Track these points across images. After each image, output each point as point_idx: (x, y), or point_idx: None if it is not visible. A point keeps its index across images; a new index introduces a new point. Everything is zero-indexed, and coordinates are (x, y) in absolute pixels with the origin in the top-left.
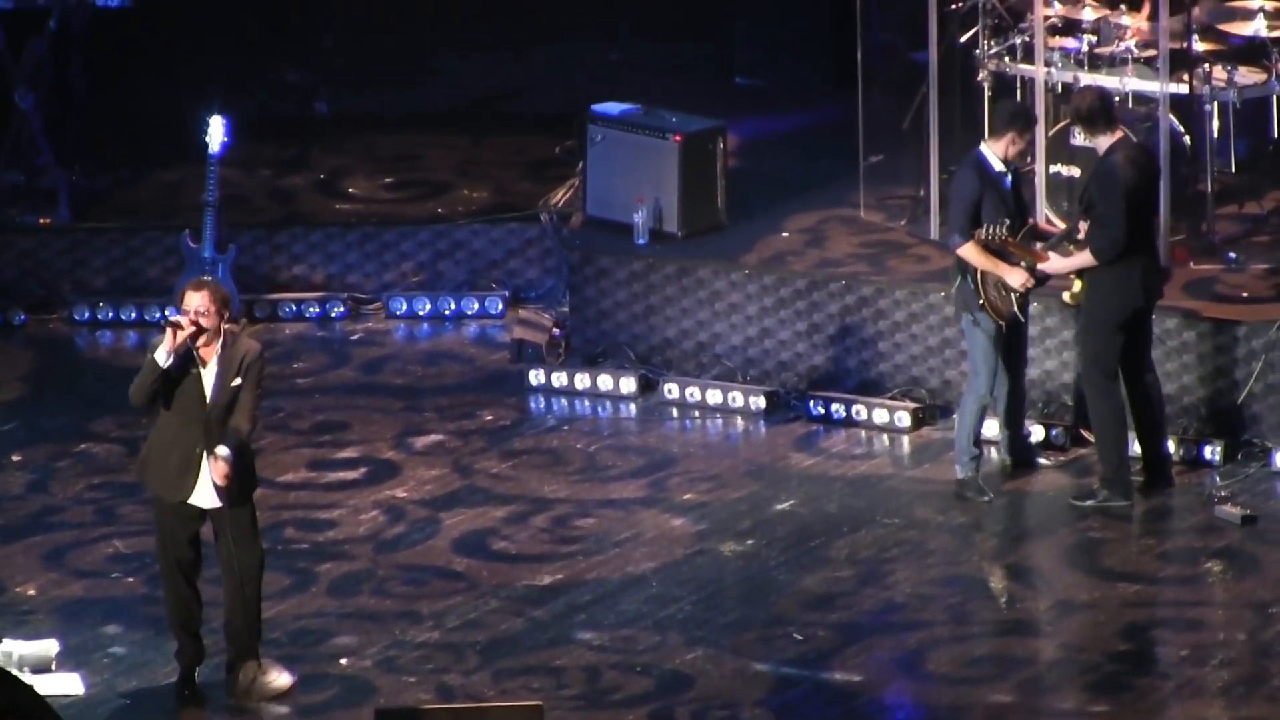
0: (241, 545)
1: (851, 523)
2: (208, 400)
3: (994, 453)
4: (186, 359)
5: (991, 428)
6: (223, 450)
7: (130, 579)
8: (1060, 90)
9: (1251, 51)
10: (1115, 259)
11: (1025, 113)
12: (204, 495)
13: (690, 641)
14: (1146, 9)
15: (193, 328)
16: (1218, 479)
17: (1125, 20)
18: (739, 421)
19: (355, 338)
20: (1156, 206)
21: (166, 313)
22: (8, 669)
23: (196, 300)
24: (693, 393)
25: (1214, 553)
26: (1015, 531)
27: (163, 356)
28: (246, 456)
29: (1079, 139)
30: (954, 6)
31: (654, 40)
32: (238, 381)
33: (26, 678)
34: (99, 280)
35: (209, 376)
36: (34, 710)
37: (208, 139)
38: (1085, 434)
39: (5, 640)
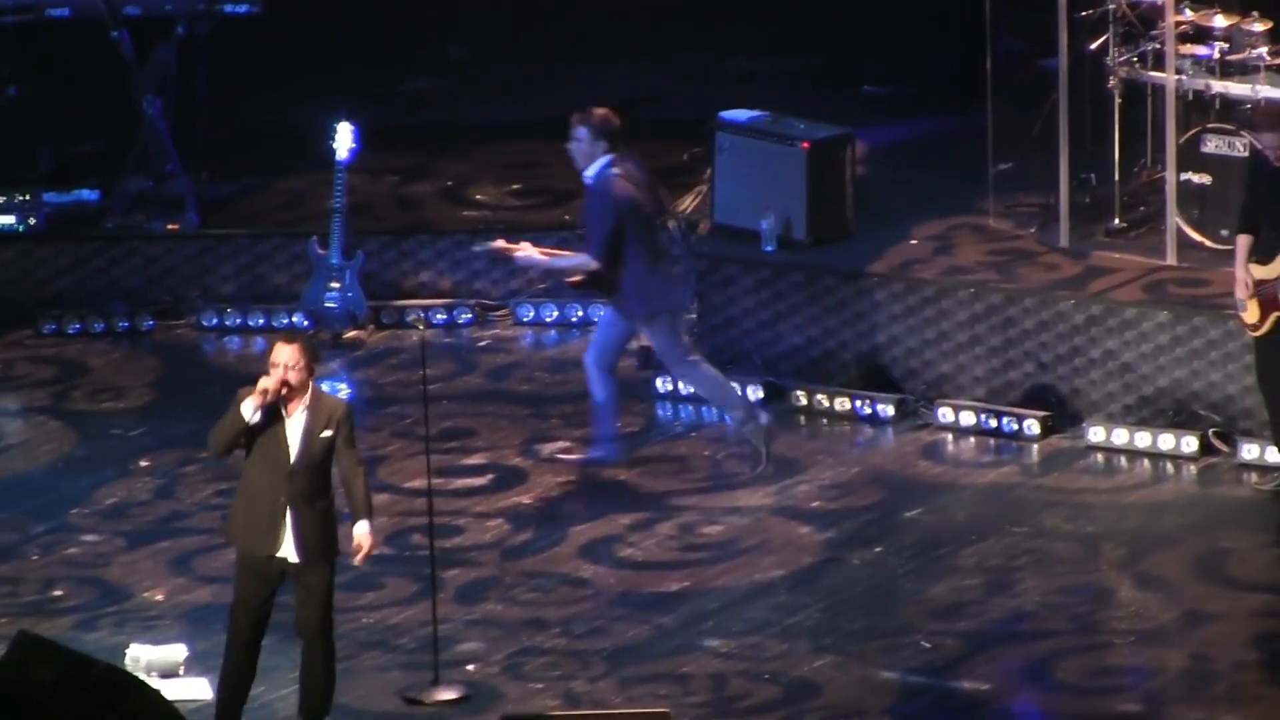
0: (318, 610)
1: (979, 531)
2: (293, 454)
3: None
4: (272, 411)
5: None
6: (362, 528)
7: None
8: (1191, 97)
9: None
10: None
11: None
12: (288, 548)
13: (817, 649)
14: None
15: (283, 388)
16: None
17: (1256, 27)
18: (867, 429)
19: (482, 344)
20: None
21: (293, 319)
22: (135, 674)
23: (287, 353)
24: (821, 400)
25: None
26: (1143, 540)
27: (249, 411)
28: (330, 519)
29: (1210, 146)
30: (1084, 14)
31: (782, 48)
32: (326, 434)
33: (154, 683)
34: (226, 286)
35: (294, 428)
36: (161, 715)
37: (335, 146)
38: (1218, 443)
39: (133, 645)
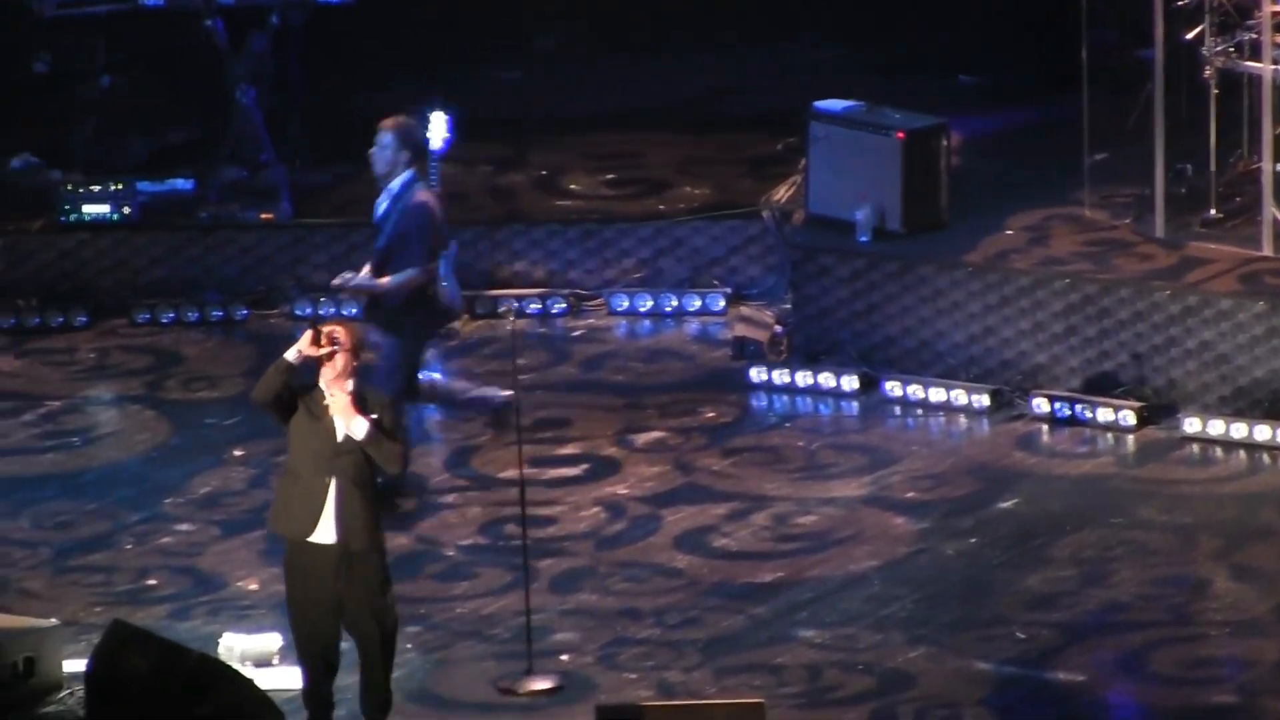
0: (369, 602)
1: (1075, 522)
2: (337, 436)
3: None
4: (316, 401)
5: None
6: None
7: None
8: None
9: None
10: None
11: None
12: (327, 533)
13: (912, 640)
14: None
15: (331, 347)
16: None
17: None
18: (961, 419)
19: (576, 334)
20: None
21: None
22: (229, 663)
23: (341, 331)
24: (915, 390)
25: None
26: (1239, 531)
27: (293, 354)
28: (374, 509)
29: None
30: (1180, 3)
31: (876, 37)
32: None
33: (248, 672)
34: (320, 275)
35: (337, 415)
36: (255, 705)
37: (429, 135)
38: None
39: (227, 634)
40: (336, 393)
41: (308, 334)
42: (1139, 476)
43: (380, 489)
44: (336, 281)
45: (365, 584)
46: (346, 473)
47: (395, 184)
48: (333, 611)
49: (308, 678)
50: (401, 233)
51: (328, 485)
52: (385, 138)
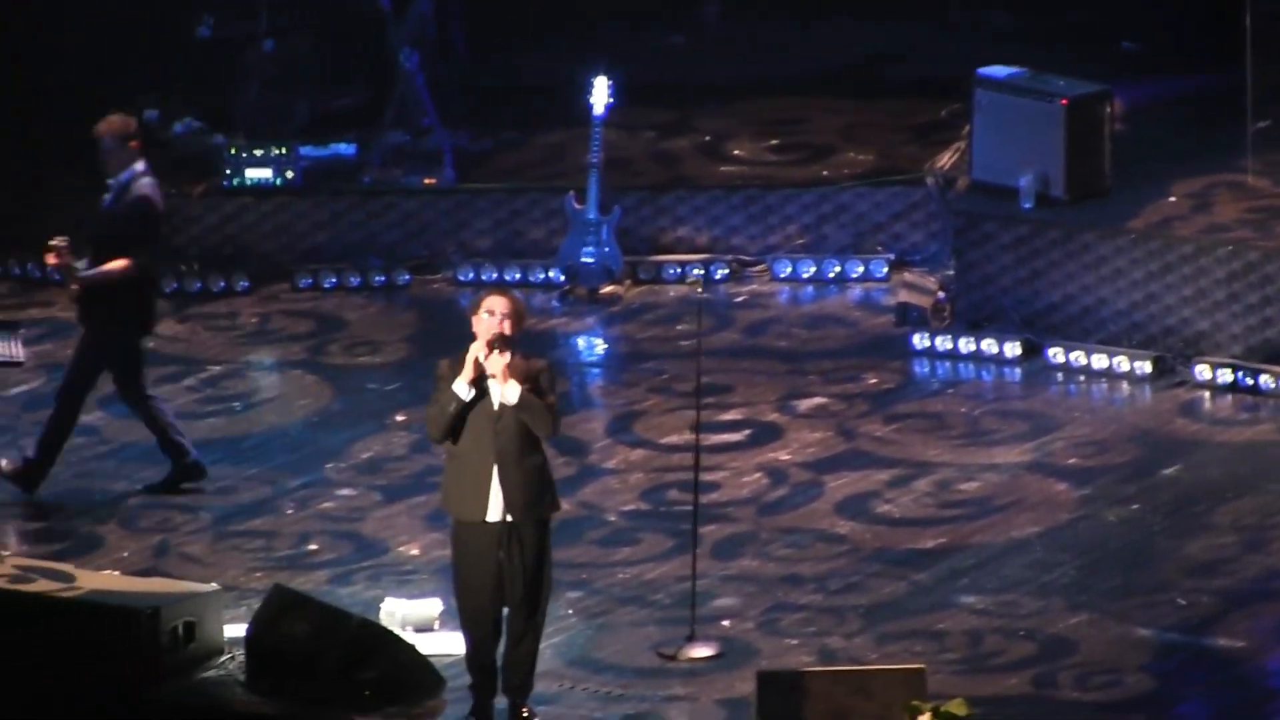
0: (528, 575)
1: (1236, 489)
2: (497, 412)
3: None
4: (478, 377)
5: None
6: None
7: None
8: None
9: None
10: None
11: None
12: (495, 511)
13: (1073, 606)
14: None
15: (495, 345)
16: None
17: None
18: (1124, 386)
19: (739, 300)
20: None
21: (549, 274)
22: (390, 628)
23: (501, 303)
24: (1077, 357)
25: None
26: None
27: (464, 390)
28: (545, 474)
29: None
30: None
31: (1041, 4)
32: (526, 389)
33: (409, 637)
34: (483, 241)
35: (497, 387)
36: (416, 669)
37: (592, 101)
38: None
39: (388, 600)
40: (493, 357)
41: (469, 371)
42: None
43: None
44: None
45: (523, 556)
46: (506, 448)
47: (123, 175)
48: (495, 581)
49: (471, 644)
50: (120, 223)
51: (491, 464)
52: (105, 143)
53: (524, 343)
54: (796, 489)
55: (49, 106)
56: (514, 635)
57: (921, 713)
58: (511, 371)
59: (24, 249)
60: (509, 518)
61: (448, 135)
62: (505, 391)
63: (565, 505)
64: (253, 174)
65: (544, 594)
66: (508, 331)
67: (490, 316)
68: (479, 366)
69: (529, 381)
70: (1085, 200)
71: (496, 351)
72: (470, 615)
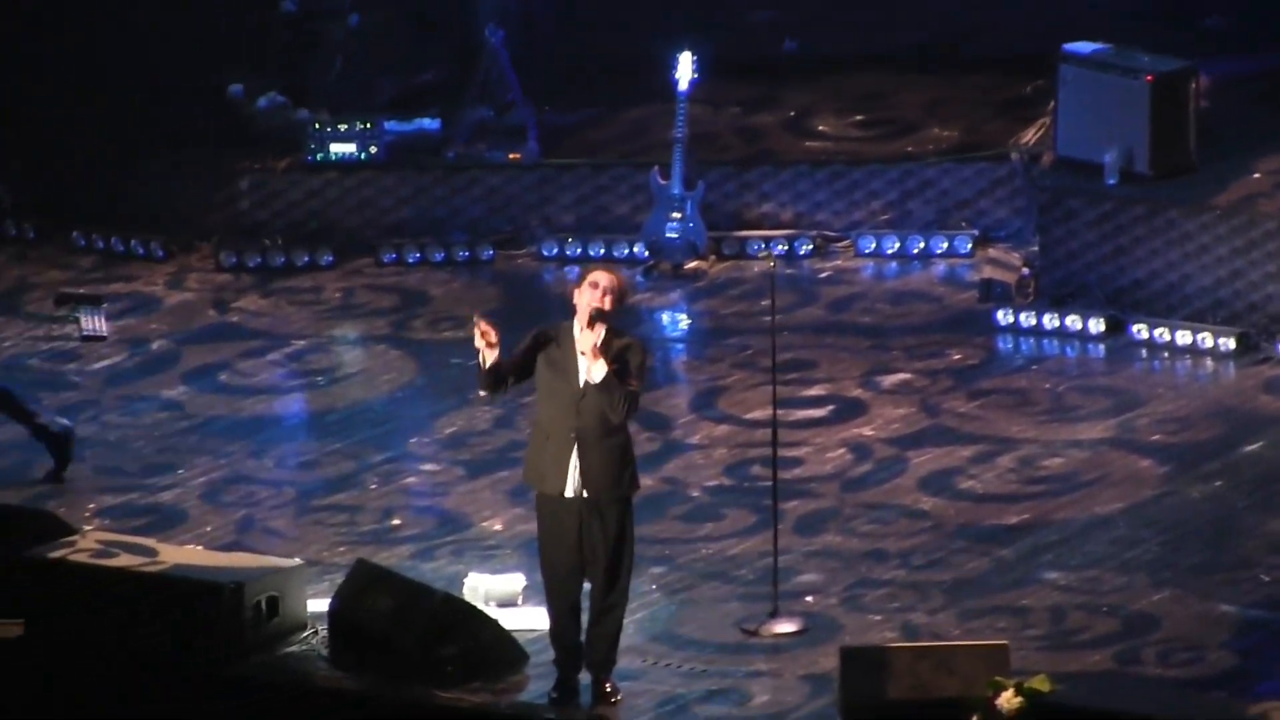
0: (609, 551)
1: None
2: (580, 389)
3: None
4: (562, 349)
5: None
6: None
7: None
8: None
9: None
10: None
11: None
12: (575, 487)
13: (1156, 583)
14: None
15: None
16: None
17: None
18: (1208, 363)
19: (823, 275)
20: None
21: (634, 249)
22: (473, 603)
23: (605, 278)
24: (1161, 334)
25: None
26: None
27: (484, 359)
28: (627, 453)
29: None
30: None
31: None
32: (612, 370)
33: (492, 612)
34: (567, 216)
35: (585, 364)
36: (499, 645)
37: (677, 76)
38: None
39: (471, 575)
40: (585, 334)
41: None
42: None
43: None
44: None
45: (604, 532)
46: (588, 425)
47: None
48: (576, 557)
49: (552, 618)
50: None
51: (573, 440)
52: None
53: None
54: (880, 465)
55: (134, 83)
56: (596, 611)
57: (1005, 689)
58: (601, 349)
59: (109, 224)
60: (595, 496)
61: (532, 110)
62: (593, 369)
63: (648, 480)
64: (337, 149)
65: (625, 569)
66: (607, 307)
67: (593, 290)
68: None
69: (618, 361)
70: (1170, 177)
71: (592, 327)
72: (551, 589)
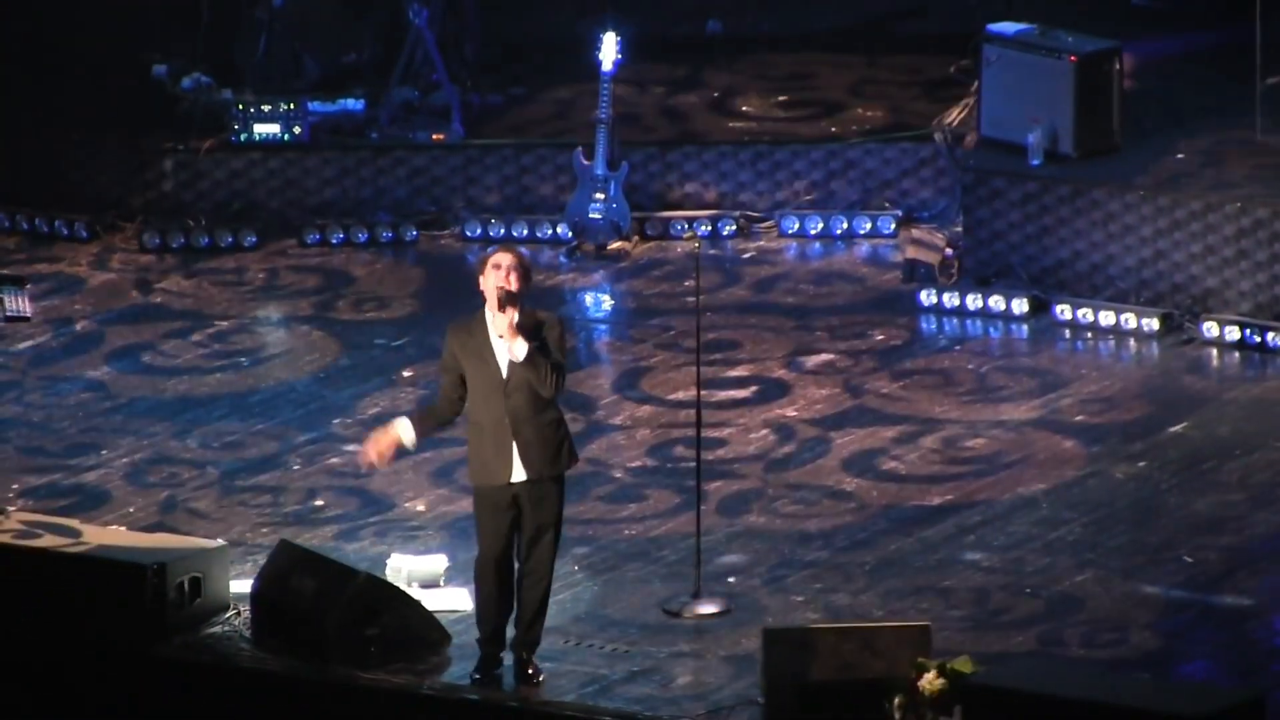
0: (540, 530)
1: (1244, 446)
2: (504, 373)
3: None
4: (477, 337)
5: None
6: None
7: None
8: None
9: None
10: None
11: None
12: (519, 471)
13: (1080, 564)
14: None
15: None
16: None
17: None
18: (1132, 343)
19: (746, 256)
20: None
21: (557, 230)
22: (397, 584)
23: (508, 258)
24: (1085, 314)
25: None
26: None
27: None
28: (561, 428)
29: None
30: None
31: None
32: (534, 346)
33: (415, 593)
34: (491, 197)
35: (503, 348)
36: (423, 626)
37: (600, 56)
38: None
39: (394, 556)
40: (499, 316)
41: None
42: None
43: None
44: None
45: (541, 511)
46: (519, 406)
47: None
48: (508, 538)
49: (479, 598)
50: None
51: (508, 427)
52: None
53: (532, 299)
54: (803, 445)
55: (59, 63)
56: (522, 591)
57: (927, 669)
58: (519, 328)
59: (32, 205)
60: (527, 475)
61: (456, 91)
62: (514, 348)
63: None
64: (261, 129)
65: (555, 548)
66: (513, 287)
67: (497, 270)
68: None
69: (536, 337)
70: (1094, 157)
71: (504, 309)
72: (481, 569)
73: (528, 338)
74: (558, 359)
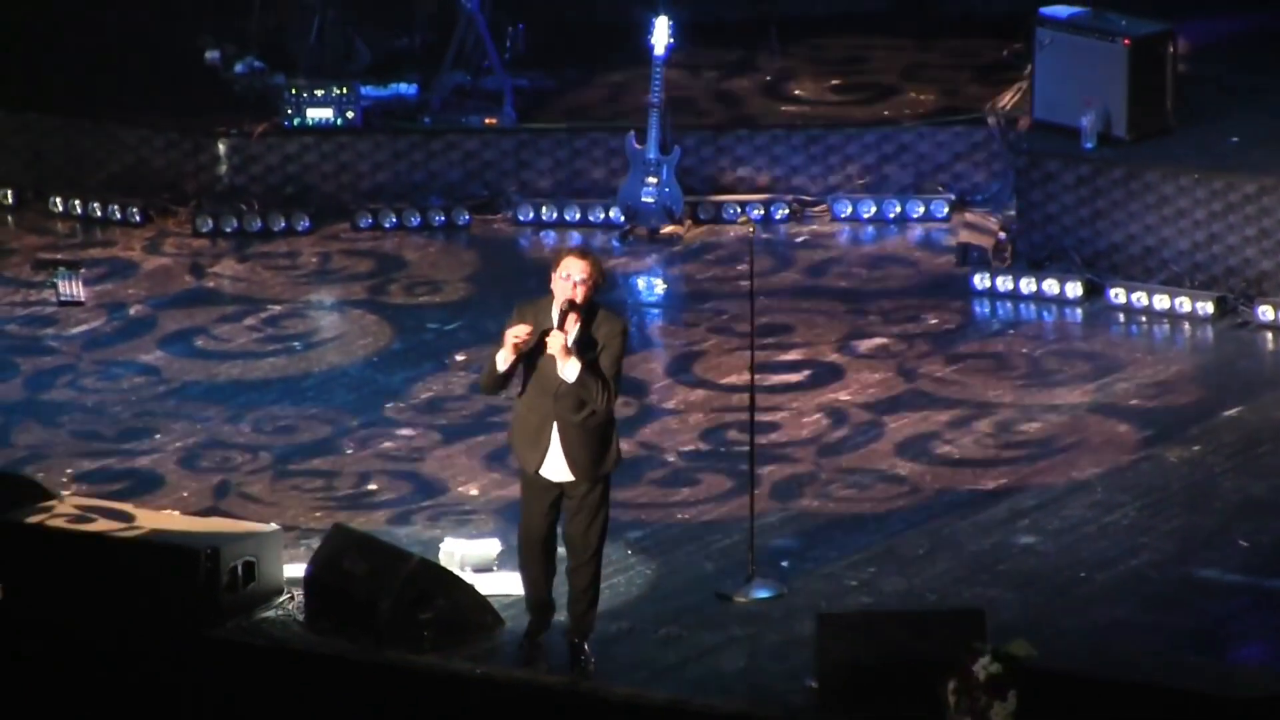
0: (584, 523)
1: None
2: (556, 378)
3: None
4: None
5: None
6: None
7: None
8: None
9: None
10: None
11: None
12: (553, 469)
13: (1134, 548)
14: None
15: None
16: None
17: None
18: (1186, 326)
19: (799, 240)
20: None
21: (609, 214)
22: (449, 568)
23: (578, 267)
24: (1139, 298)
25: None
26: None
27: (502, 362)
28: (608, 434)
29: None
30: None
31: None
32: (593, 355)
33: (468, 577)
34: (543, 181)
35: (559, 362)
36: (475, 609)
37: (653, 41)
38: None
39: (447, 540)
40: (554, 336)
41: (509, 350)
42: None
43: None
44: None
45: (587, 505)
46: (565, 413)
47: None
48: (550, 522)
49: (525, 581)
50: None
51: (550, 424)
52: None
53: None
54: (857, 429)
55: (111, 50)
56: (572, 577)
57: (982, 654)
58: (586, 330)
59: (87, 190)
60: (574, 477)
61: (508, 75)
62: (565, 368)
63: (625, 445)
64: (314, 114)
65: (601, 537)
66: (579, 299)
67: (565, 280)
68: (518, 348)
69: (591, 351)
70: (1147, 139)
71: (564, 322)
72: (524, 553)
73: (581, 354)
74: (610, 374)
